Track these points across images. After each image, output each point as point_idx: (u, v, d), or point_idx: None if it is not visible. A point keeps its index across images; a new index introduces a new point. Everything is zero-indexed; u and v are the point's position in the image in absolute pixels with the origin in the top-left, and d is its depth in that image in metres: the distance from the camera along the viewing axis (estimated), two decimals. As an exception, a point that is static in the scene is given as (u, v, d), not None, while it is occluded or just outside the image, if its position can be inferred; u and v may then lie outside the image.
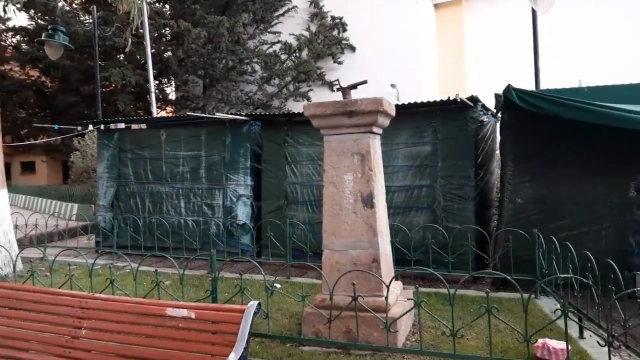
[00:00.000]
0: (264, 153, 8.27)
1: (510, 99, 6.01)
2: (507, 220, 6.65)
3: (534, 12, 8.42)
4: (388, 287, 3.50)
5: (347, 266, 3.96)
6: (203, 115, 8.59)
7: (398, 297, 4.22)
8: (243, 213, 8.34)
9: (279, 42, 17.95)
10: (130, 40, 12.69)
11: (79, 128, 10.00)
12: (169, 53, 18.35)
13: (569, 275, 3.67)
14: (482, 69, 15.65)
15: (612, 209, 6.14)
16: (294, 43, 17.70)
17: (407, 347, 3.86)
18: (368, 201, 3.98)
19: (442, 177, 7.03)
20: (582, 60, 12.51)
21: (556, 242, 4.76)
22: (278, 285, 5.05)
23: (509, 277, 3.52)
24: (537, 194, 6.55)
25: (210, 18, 16.43)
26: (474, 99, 6.88)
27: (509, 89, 6.04)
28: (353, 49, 17.69)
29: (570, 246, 4.29)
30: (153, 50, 16.88)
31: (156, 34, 17.60)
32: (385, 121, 4.22)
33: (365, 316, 3.64)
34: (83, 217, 10.29)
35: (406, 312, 3.83)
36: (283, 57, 17.77)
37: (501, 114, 7.32)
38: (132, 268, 4.64)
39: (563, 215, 6.34)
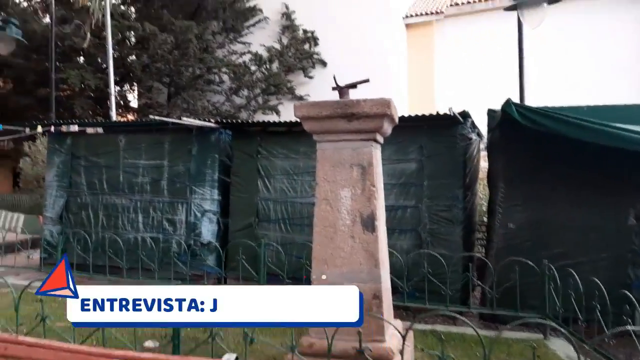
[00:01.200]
0: (234, 165, 7.54)
1: (509, 114, 5.54)
2: (497, 247, 6.16)
3: (520, 28, 8.08)
4: (404, 337, 2.77)
5: (341, 302, 3.28)
6: (168, 119, 7.77)
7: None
8: (208, 231, 7.54)
9: (249, 52, 17.33)
10: (88, 36, 11.75)
11: (27, 130, 8.99)
12: (133, 57, 17.39)
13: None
14: (452, 90, 15.53)
15: (609, 238, 5.75)
16: (265, 54, 17.11)
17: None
18: (369, 223, 3.32)
19: (427, 198, 6.49)
20: (554, 82, 12.47)
21: (577, 277, 4.24)
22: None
23: (537, 319, 2.92)
24: (531, 218, 6.07)
25: (178, 23, 15.62)
26: (465, 114, 6.40)
27: (508, 103, 5.57)
28: (324, 63, 17.29)
29: (600, 283, 3.78)
30: (116, 53, 15.88)
31: (120, 37, 16.62)
32: (389, 128, 3.59)
33: (363, 367, 2.94)
34: (30, 230, 9.20)
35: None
36: (253, 68, 17.13)
37: (491, 132, 6.87)
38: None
39: (558, 243, 5.88)
